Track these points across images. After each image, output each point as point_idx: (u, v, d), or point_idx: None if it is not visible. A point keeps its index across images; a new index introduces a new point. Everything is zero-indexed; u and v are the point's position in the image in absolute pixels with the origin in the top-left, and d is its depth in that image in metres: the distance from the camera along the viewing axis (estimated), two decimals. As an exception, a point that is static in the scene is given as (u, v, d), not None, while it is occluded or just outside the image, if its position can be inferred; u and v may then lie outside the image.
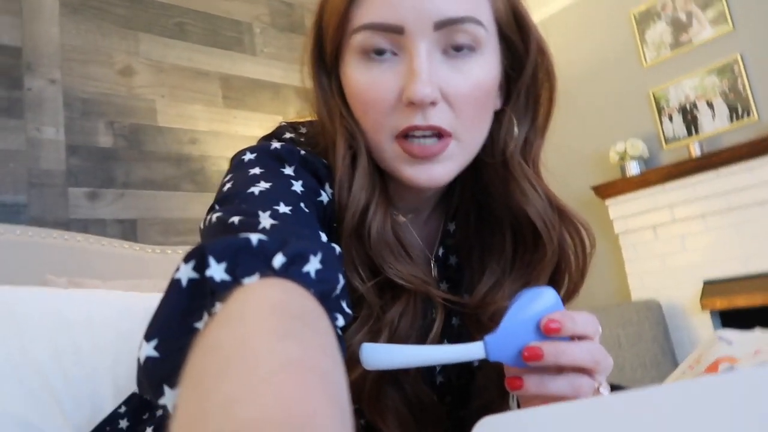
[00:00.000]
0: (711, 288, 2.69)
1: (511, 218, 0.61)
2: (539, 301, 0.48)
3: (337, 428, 0.22)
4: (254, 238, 0.39)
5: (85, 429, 0.85)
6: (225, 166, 2.24)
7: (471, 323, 0.63)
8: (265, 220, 0.45)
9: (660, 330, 2.68)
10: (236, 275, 0.37)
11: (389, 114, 0.53)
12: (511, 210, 0.60)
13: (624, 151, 2.92)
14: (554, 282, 0.61)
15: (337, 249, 0.45)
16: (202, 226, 0.49)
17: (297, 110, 2.52)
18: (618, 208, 2.99)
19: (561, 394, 0.45)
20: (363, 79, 0.54)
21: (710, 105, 2.79)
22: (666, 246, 2.86)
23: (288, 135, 0.61)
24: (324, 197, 0.56)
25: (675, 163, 2.77)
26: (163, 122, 2.15)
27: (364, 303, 0.56)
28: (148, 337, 0.38)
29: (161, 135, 2.13)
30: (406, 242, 0.59)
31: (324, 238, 0.49)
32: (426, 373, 0.63)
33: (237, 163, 0.56)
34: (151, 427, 0.71)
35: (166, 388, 0.36)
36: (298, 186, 0.52)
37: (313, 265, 0.40)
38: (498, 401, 0.62)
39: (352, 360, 0.52)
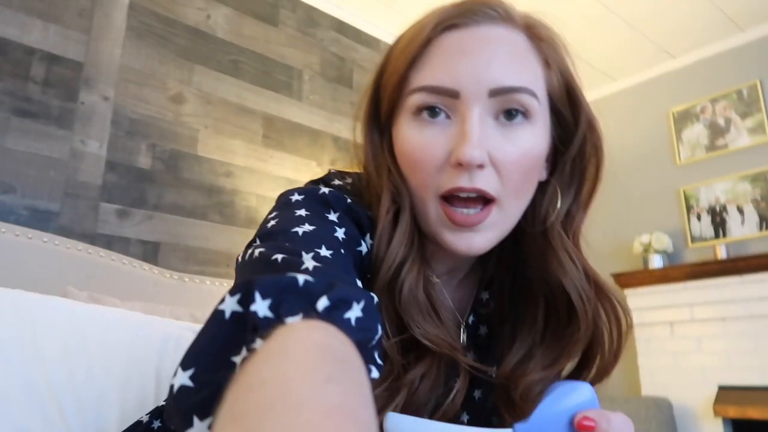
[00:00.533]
0: (725, 394, 2.61)
1: (546, 290, 0.60)
2: (575, 395, 0.47)
3: None
4: (301, 278, 0.39)
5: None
6: (254, 202, 2.27)
7: (500, 399, 0.61)
8: (309, 261, 0.44)
9: (668, 431, 2.59)
10: (280, 313, 0.37)
11: (436, 174, 0.54)
12: (546, 281, 0.59)
13: (649, 243, 2.90)
14: (586, 359, 0.60)
15: (376, 299, 0.45)
16: (240, 259, 0.50)
17: (332, 158, 2.56)
18: (636, 299, 2.95)
19: None
20: (415, 138, 0.55)
21: (740, 210, 2.79)
22: (681, 344, 2.80)
23: (336, 182, 0.62)
24: (363, 248, 0.56)
25: (699, 262, 2.75)
26: (202, 152, 2.19)
27: (386, 360, 0.54)
28: (184, 365, 0.38)
29: (198, 164, 2.17)
30: (437, 303, 0.59)
31: (360, 285, 0.48)
32: None
33: (284, 202, 0.56)
34: None
35: (196, 420, 0.35)
36: (340, 233, 0.53)
37: (354, 313, 0.40)
38: None
39: None
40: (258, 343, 0.35)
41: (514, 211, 0.57)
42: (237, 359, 0.36)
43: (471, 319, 0.67)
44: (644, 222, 3.10)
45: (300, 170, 2.45)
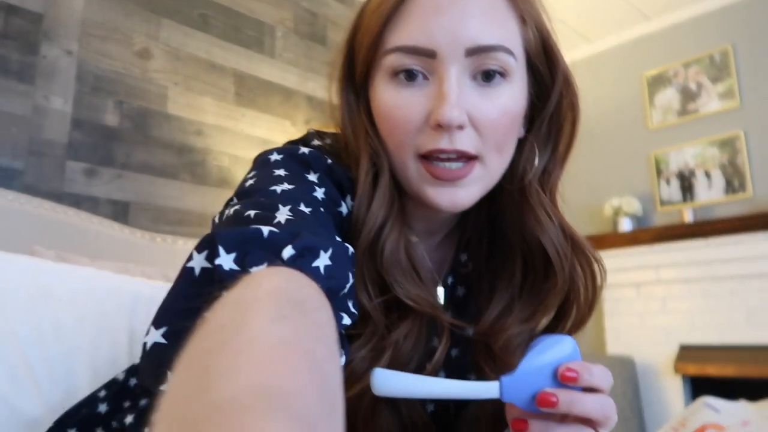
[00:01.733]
0: (686, 353, 2.71)
1: (523, 246, 0.61)
2: (558, 348, 0.49)
3: (321, 410, 0.22)
4: (266, 229, 0.40)
5: (58, 409, 0.83)
6: (226, 162, 2.23)
7: (480, 354, 0.63)
8: (282, 216, 0.44)
9: (631, 387, 2.69)
10: (245, 265, 0.37)
11: (415, 135, 0.54)
12: (524, 237, 0.60)
13: (619, 206, 2.96)
14: (563, 312, 0.62)
15: (350, 249, 0.45)
16: (216, 219, 0.49)
17: (306, 117, 2.52)
18: (606, 261, 2.97)
19: None
20: (392, 99, 0.54)
21: (708, 175, 2.85)
22: (646, 305, 2.89)
23: (315, 142, 0.61)
24: (343, 209, 0.56)
25: (667, 225, 2.82)
26: (172, 109, 2.13)
27: (369, 320, 0.55)
28: (157, 324, 0.38)
29: (168, 122, 2.12)
30: (418, 263, 0.60)
31: (338, 239, 0.48)
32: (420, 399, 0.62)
33: (262, 162, 0.56)
34: (132, 416, 0.69)
35: (169, 374, 0.35)
36: (320, 193, 0.53)
37: (322, 261, 0.40)
38: None
39: (353, 376, 0.53)
40: (222, 294, 0.35)
41: (497, 168, 0.57)
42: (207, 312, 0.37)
43: (449, 279, 0.67)
44: (615, 185, 3.15)
45: (273, 130, 2.41)
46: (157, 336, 0.37)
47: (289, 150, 0.57)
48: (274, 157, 0.55)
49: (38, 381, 0.91)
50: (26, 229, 1.56)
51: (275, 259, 0.38)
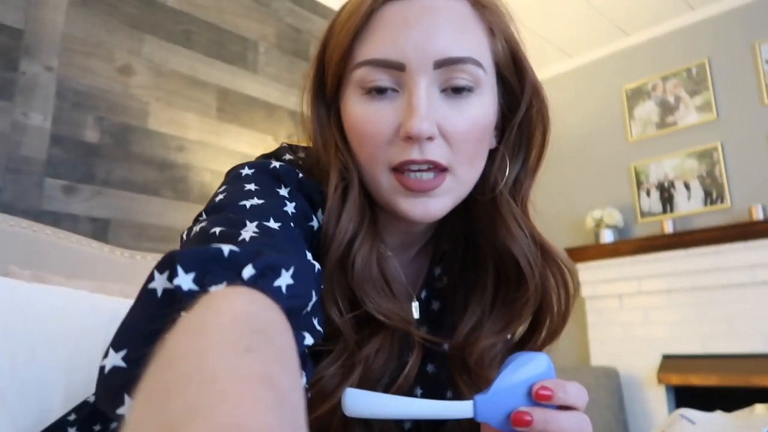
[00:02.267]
0: (669, 363, 2.73)
1: (495, 256, 0.61)
2: (532, 365, 0.48)
3: None
4: (226, 248, 0.39)
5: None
6: (209, 177, 2.22)
7: (455, 368, 0.62)
8: (248, 232, 0.44)
9: (615, 398, 2.70)
10: (204, 284, 0.37)
11: (386, 147, 0.54)
12: (495, 247, 0.60)
13: (600, 218, 2.99)
14: (537, 322, 0.61)
15: (316, 266, 0.45)
16: (184, 236, 0.48)
17: (289, 132, 2.52)
18: (588, 272, 3.04)
19: None
20: (362, 112, 0.54)
21: (687, 186, 2.89)
22: (629, 316, 2.91)
23: (287, 156, 0.61)
24: (314, 223, 0.56)
25: (648, 236, 2.85)
26: (153, 125, 2.13)
27: (340, 337, 0.55)
28: (116, 346, 0.37)
29: (149, 138, 2.11)
30: (390, 277, 0.59)
31: (309, 256, 0.48)
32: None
33: (233, 177, 0.55)
34: None
35: (127, 398, 0.34)
36: (290, 207, 0.52)
37: (284, 280, 0.39)
38: None
39: (322, 394, 0.52)
40: (182, 316, 0.34)
41: (468, 179, 0.57)
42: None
43: (424, 294, 0.67)
44: (597, 197, 3.18)
45: (256, 145, 2.41)
46: (116, 359, 0.36)
47: (260, 164, 0.56)
48: (246, 171, 0.55)
49: (9, 405, 0.90)
50: (2, 248, 1.54)
51: (236, 278, 0.38)
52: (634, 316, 2.89)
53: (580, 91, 3.39)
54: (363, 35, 0.54)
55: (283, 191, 0.54)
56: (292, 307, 0.39)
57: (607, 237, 2.96)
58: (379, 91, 0.53)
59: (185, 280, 0.37)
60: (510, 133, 0.60)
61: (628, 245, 2.88)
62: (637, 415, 2.79)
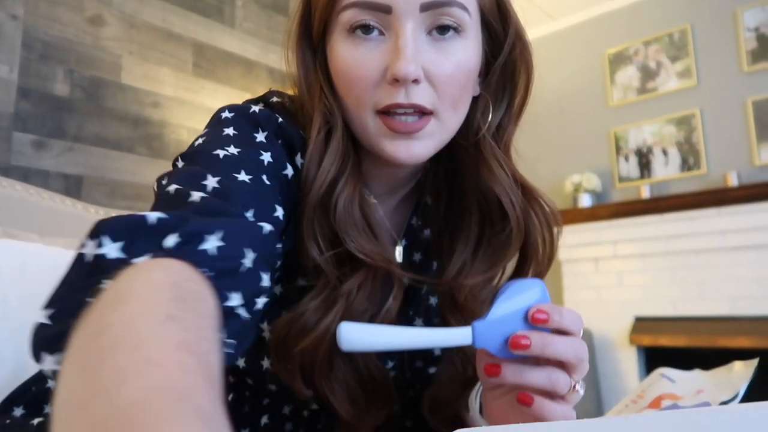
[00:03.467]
0: (640, 325, 2.81)
1: (479, 198, 0.62)
2: (527, 292, 0.49)
3: (213, 403, 0.24)
4: (153, 216, 0.41)
5: (5, 388, 0.79)
6: (185, 135, 2.17)
7: (445, 306, 0.64)
8: (198, 194, 0.45)
9: (588, 359, 2.77)
10: (130, 254, 0.39)
11: (373, 90, 0.54)
12: (479, 189, 0.62)
13: (579, 183, 3.01)
14: (523, 261, 0.63)
15: (257, 226, 0.46)
16: (155, 186, 0.50)
17: (267, 89, 2.46)
18: (565, 236, 3.06)
19: (538, 385, 0.46)
20: (349, 55, 0.55)
21: (665, 152, 2.92)
22: (604, 279, 2.97)
23: (275, 99, 0.61)
24: (289, 171, 0.56)
25: (624, 201, 2.88)
26: (126, 80, 2.05)
27: (322, 273, 0.57)
28: (46, 305, 0.39)
29: (122, 93, 2.04)
30: (373, 221, 0.60)
31: (279, 212, 0.51)
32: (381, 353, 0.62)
33: (215, 120, 0.57)
34: None
35: (45, 355, 0.37)
36: (266, 156, 0.53)
37: (212, 243, 0.41)
38: (458, 392, 0.63)
39: (305, 328, 0.54)
40: (106, 285, 0.37)
41: (452, 123, 0.58)
42: (91, 301, 0.37)
43: (404, 242, 0.68)
44: (576, 162, 3.20)
45: (234, 102, 2.34)
46: (43, 317, 0.38)
47: (240, 108, 0.57)
48: (226, 114, 0.56)
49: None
50: (-30, 203, 1.49)
51: (158, 248, 0.40)
52: (609, 280, 2.95)
53: (562, 54, 3.37)
54: None
55: (261, 137, 0.55)
56: (223, 268, 0.41)
57: (585, 201, 2.99)
58: (365, 31, 0.54)
59: (112, 249, 0.39)
60: (493, 78, 0.61)
61: (605, 210, 2.91)
62: (608, 375, 2.87)
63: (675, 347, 2.68)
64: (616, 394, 2.80)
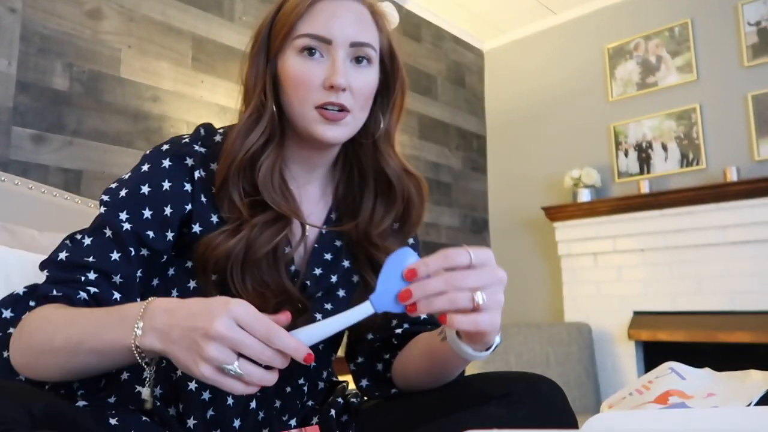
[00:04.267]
0: (639, 319, 2.81)
1: (375, 176, 0.89)
2: (401, 258, 0.64)
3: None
4: (22, 291, 0.78)
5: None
6: (185, 129, 2.16)
7: (360, 249, 0.89)
8: (62, 253, 0.77)
9: (587, 353, 2.78)
10: (17, 313, 0.76)
11: (314, 92, 0.79)
12: (375, 170, 0.89)
13: (578, 178, 3.01)
14: (407, 214, 0.91)
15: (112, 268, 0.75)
16: (106, 198, 0.80)
17: (267, 85, 2.45)
18: (564, 231, 3.08)
19: (444, 308, 0.62)
20: (300, 67, 0.79)
21: (664, 147, 2.92)
22: (603, 274, 2.97)
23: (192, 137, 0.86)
24: (188, 187, 0.81)
25: (624, 196, 2.88)
26: (125, 74, 2.04)
27: (234, 208, 0.79)
28: None
29: (122, 86, 2.03)
30: (288, 187, 0.84)
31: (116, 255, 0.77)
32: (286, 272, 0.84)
33: (139, 164, 0.84)
34: None
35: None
36: (145, 189, 0.79)
37: (51, 289, 0.73)
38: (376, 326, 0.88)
39: (217, 246, 0.77)
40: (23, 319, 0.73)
41: (360, 120, 0.84)
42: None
43: (328, 209, 0.92)
44: (575, 157, 3.20)
45: (233, 97, 2.31)
46: None
47: (153, 152, 0.85)
48: (143, 160, 0.85)
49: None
50: (-30, 198, 1.48)
51: (27, 307, 0.74)
52: (608, 274, 2.95)
53: (562, 48, 3.36)
54: (305, 18, 0.80)
55: (165, 163, 0.81)
56: (65, 294, 0.72)
57: (584, 196, 2.99)
58: (311, 53, 0.79)
59: (6, 313, 0.76)
60: (383, 99, 0.88)
61: (605, 205, 2.91)
62: (607, 369, 2.88)
63: (674, 342, 2.68)
64: (615, 388, 2.81)
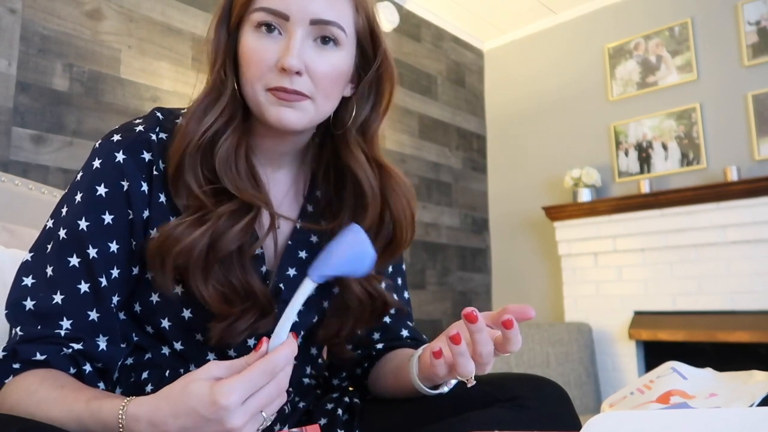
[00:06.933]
0: (640, 319, 2.81)
1: (350, 173, 0.81)
2: (349, 240, 0.64)
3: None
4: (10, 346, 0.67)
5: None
6: (185, 130, 2.15)
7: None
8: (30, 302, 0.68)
9: (587, 353, 2.78)
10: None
11: (267, 72, 0.71)
12: (348, 167, 0.80)
13: (579, 177, 3.01)
14: (380, 223, 0.81)
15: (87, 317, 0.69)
16: (63, 209, 0.73)
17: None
18: (565, 231, 3.08)
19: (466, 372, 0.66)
20: (254, 44, 0.71)
21: (665, 146, 2.92)
22: (603, 274, 2.97)
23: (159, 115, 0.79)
24: (145, 187, 0.73)
25: (624, 196, 2.88)
26: (125, 74, 2.04)
27: (198, 203, 0.71)
28: None
29: (122, 87, 2.03)
30: (257, 175, 0.77)
31: (114, 246, 0.71)
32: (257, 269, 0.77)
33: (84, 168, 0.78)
34: None
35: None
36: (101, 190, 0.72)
37: (36, 350, 0.66)
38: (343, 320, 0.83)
39: (178, 238, 0.68)
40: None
41: (325, 108, 0.75)
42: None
43: (303, 201, 0.85)
44: (576, 157, 3.20)
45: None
46: None
47: (102, 146, 0.77)
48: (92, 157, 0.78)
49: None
50: (-30, 198, 1.48)
51: (11, 367, 0.66)
52: (608, 274, 2.95)
53: (562, 48, 3.36)
54: None
55: (96, 163, 0.75)
56: (48, 357, 0.66)
57: (584, 196, 2.99)
58: (269, 29, 0.71)
59: None
60: (364, 87, 0.79)
61: (605, 204, 2.91)
62: (607, 368, 2.88)
63: (674, 342, 2.68)
64: (615, 388, 2.81)
